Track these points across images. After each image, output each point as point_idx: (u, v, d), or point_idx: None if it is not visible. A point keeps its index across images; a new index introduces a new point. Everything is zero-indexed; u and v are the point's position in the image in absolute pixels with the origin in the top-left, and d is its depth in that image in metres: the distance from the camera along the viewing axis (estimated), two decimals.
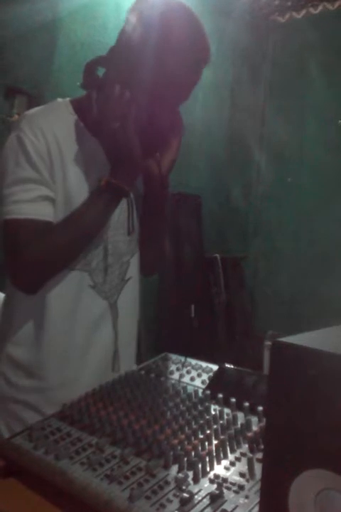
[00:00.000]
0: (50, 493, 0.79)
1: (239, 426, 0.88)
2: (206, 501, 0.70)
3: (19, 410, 1.20)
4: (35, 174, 1.13)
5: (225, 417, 0.91)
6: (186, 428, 0.87)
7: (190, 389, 1.03)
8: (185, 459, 0.78)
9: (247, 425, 0.88)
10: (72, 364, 1.22)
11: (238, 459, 0.80)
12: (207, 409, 0.94)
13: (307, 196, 3.96)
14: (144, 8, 1.12)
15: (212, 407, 0.96)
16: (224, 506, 0.69)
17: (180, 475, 0.75)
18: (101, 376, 1.19)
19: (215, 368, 1.12)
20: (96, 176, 1.17)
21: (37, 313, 1.19)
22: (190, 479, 0.75)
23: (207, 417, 0.90)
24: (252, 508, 0.68)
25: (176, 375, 1.11)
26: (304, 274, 3.84)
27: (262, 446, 0.81)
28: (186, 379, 1.09)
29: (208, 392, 1.00)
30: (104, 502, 0.72)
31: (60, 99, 1.25)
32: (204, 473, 0.76)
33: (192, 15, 1.14)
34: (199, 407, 0.95)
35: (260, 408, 0.92)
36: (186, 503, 0.70)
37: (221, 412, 0.93)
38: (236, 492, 0.72)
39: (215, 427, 0.88)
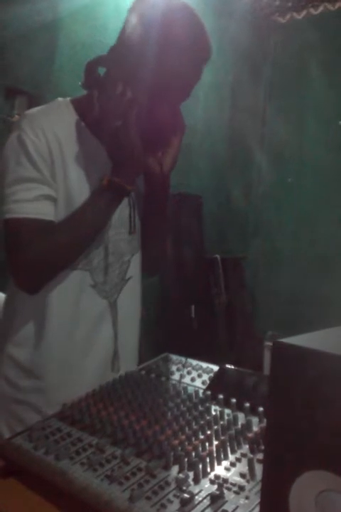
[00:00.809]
0: (50, 494, 0.79)
1: (239, 426, 0.88)
2: (206, 502, 0.70)
3: (20, 410, 1.20)
4: (36, 173, 1.13)
5: (226, 417, 0.91)
6: (187, 428, 0.87)
7: (190, 389, 1.03)
8: (186, 459, 0.78)
9: (248, 426, 0.88)
10: (73, 364, 1.22)
11: (238, 460, 0.80)
12: (208, 410, 0.94)
13: (307, 196, 3.96)
14: (144, 7, 1.12)
15: (213, 407, 0.96)
16: (225, 507, 0.69)
17: (181, 475, 0.75)
18: (101, 376, 1.19)
19: (216, 368, 1.12)
20: (97, 175, 1.17)
21: (38, 313, 1.19)
22: (190, 480, 0.75)
23: (208, 418, 0.90)
24: (253, 509, 0.68)
25: (177, 376, 1.11)
26: (304, 275, 3.83)
27: (263, 447, 0.81)
28: (187, 379, 1.09)
29: (209, 392, 1.00)
30: (105, 502, 0.72)
31: (60, 99, 1.25)
32: (205, 474, 0.76)
33: (193, 13, 1.14)
34: (200, 408, 0.95)
35: (260, 409, 0.92)
36: (186, 503, 0.69)
37: (221, 413, 0.93)
38: (236, 493, 0.72)
39: (216, 427, 0.87)
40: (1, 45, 2.80)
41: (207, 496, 0.71)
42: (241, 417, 0.92)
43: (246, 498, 0.71)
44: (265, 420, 0.87)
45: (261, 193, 4.36)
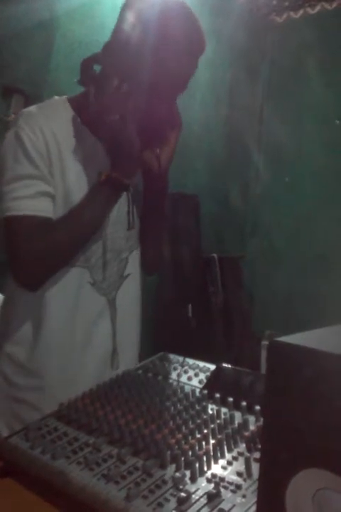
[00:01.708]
0: (46, 493, 0.79)
1: (236, 425, 0.88)
2: (203, 500, 0.70)
3: (19, 409, 1.21)
4: (33, 170, 1.13)
5: (222, 416, 0.91)
6: (183, 427, 0.87)
7: (187, 388, 1.03)
8: (182, 458, 0.78)
9: (244, 424, 0.88)
10: (72, 362, 1.22)
11: (235, 459, 0.80)
12: (205, 409, 0.94)
13: (305, 196, 3.96)
14: (138, 3, 1.13)
15: (210, 406, 0.96)
16: (222, 505, 0.69)
17: (178, 474, 0.75)
18: (100, 373, 1.19)
19: (213, 367, 1.12)
20: (94, 171, 1.17)
21: (36, 311, 1.19)
22: (187, 479, 0.75)
23: (205, 417, 0.90)
24: (249, 508, 0.68)
25: (174, 375, 1.11)
26: (302, 274, 3.83)
27: (259, 446, 0.81)
28: (183, 378, 1.09)
29: (205, 391, 1.00)
30: (101, 502, 0.72)
31: (57, 97, 1.25)
32: (202, 473, 0.76)
33: (186, 7, 1.14)
34: (197, 407, 0.95)
35: (257, 407, 0.92)
36: (183, 502, 0.69)
37: (218, 412, 0.93)
38: (233, 491, 0.72)
39: (212, 426, 0.87)
40: None
41: (203, 494, 0.71)
42: (238, 416, 0.92)
43: (243, 496, 0.71)
44: (261, 419, 0.87)
45: (259, 192, 4.36)
